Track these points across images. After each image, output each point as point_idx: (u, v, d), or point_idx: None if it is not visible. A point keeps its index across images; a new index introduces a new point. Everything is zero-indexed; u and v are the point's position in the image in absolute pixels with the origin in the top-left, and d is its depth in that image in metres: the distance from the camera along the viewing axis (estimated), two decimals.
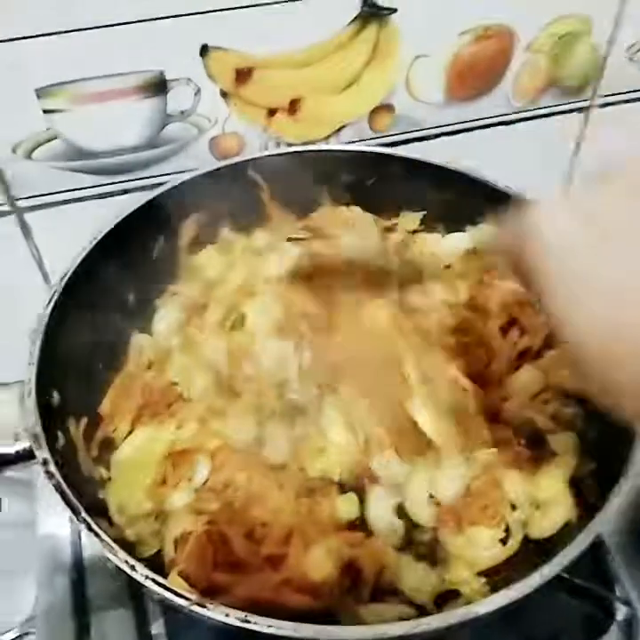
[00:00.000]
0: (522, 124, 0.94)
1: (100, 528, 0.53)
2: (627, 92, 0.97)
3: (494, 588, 0.56)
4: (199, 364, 0.70)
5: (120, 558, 0.50)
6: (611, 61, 0.92)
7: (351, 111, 0.86)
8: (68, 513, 0.53)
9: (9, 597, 0.79)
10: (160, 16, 0.71)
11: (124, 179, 0.81)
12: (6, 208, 0.79)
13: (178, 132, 0.80)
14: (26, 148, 0.75)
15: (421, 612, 0.57)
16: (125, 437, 0.68)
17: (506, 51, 0.87)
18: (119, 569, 0.51)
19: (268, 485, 0.61)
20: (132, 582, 0.51)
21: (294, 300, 0.69)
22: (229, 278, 0.78)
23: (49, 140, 0.75)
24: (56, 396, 0.62)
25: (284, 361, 0.67)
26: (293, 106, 0.82)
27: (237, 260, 0.80)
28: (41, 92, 0.72)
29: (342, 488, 0.65)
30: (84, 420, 0.65)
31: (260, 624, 0.47)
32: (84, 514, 0.53)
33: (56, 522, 0.76)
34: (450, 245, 0.82)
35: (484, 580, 0.59)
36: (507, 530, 0.63)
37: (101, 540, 0.51)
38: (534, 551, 0.62)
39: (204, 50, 0.74)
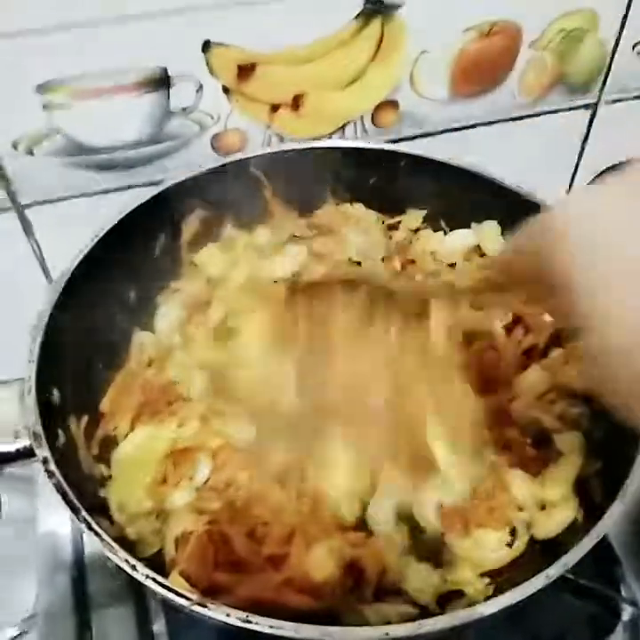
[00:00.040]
0: (527, 120, 0.94)
1: (101, 527, 0.53)
2: (634, 89, 0.96)
3: (498, 589, 0.56)
4: (198, 364, 0.69)
5: (120, 557, 0.50)
6: (618, 58, 0.92)
7: (355, 107, 0.85)
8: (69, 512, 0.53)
9: (10, 595, 0.79)
10: (162, 12, 0.70)
11: (125, 175, 0.81)
12: (7, 204, 0.79)
13: (180, 129, 0.79)
14: (27, 144, 0.75)
15: (424, 611, 0.57)
16: (126, 435, 0.67)
17: (511, 47, 0.86)
18: (120, 568, 0.50)
19: (270, 484, 0.60)
20: (133, 580, 0.50)
21: (292, 319, 0.66)
22: (232, 276, 0.78)
23: (50, 136, 0.75)
24: (56, 393, 0.62)
25: (277, 384, 0.63)
26: (296, 102, 0.82)
27: (240, 257, 0.80)
28: (41, 88, 0.71)
29: None
30: (85, 418, 0.65)
31: (262, 624, 0.47)
32: (84, 513, 0.52)
33: (57, 519, 0.76)
34: (453, 243, 0.82)
35: (487, 580, 0.59)
36: (513, 531, 0.63)
37: (102, 540, 0.51)
38: (539, 551, 0.62)
39: (207, 46, 0.74)
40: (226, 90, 0.78)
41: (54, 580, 0.72)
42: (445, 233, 0.83)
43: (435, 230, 0.83)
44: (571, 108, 0.95)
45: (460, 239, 0.81)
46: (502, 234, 0.79)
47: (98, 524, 0.52)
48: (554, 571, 0.50)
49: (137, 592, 0.70)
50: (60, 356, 0.64)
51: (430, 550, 0.62)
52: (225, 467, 0.63)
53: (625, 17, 0.88)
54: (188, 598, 0.48)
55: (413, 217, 0.83)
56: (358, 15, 0.77)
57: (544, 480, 0.64)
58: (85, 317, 0.68)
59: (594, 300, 0.37)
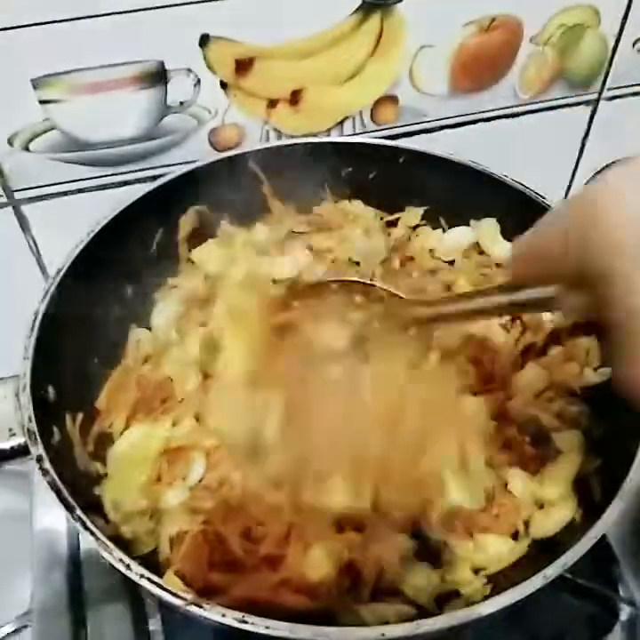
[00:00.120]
0: (528, 116, 0.93)
1: (96, 526, 0.52)
2: (635, 85, 0.96)
3: (496, 589, 0.56)
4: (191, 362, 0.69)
5: (115, 557, 0.50)
6: (619, 53, 0.91)
7: (354, 102, 0.85)
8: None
9: (6, 591, 0.79)
10: (159, 5, 0.70)
11: (122, 170, 0.80)
12: (3, 200, 0.78)
13: (177, 124, 0.79)
14: (23, 140, 0.74)
15: (422, 611, 0.57)
16: (121, 433, 0.67)
17: (512, 42, 0.86)
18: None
19: (265, 484, 0.60)
20: (128, 579, 0.50)
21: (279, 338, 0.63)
22: (230, 273, 0.77)
23: (46, 132, 0.75)
24: (51, 390, 0.62)
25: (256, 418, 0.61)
26: (295, 97, 0.81)
27: (238, 254, 0.79)
28: (37, 83, 0.71)
29: None
30: (80, 416, 0.64)
31: (257, 625, 0.47)
32: (78, 511, 0.52)
33: (52, 516, 0.75)
34: (452, 240, 0.81)
35: (485, 580, 0.59)
36: (515, 534, 0.62)
37: (96, 539, 0.51)
38: (537, 551, 0.61)
39: (204, 40, 0.73)
40: (223, 84, 0.78)
41: (50, 577, 0.72)
42: (444, 230, 0.83)
43: (434, 227, 0.83)
44: (571, 104, 0.94)
45: (459, 236, 0.81)
46: (501, 231, 0.79)
47: (93, 522, 0.52)
48: (552, 571, 0.50)
49: (132, 590, 0.69)
50: (56, 353, 0.63)
51: (431, 551, 0.61)
52: (218, 465, 0.63)
53: (626, 13, 0.87)
54: (182, 598, 0.48)
55: (412, 214, 0.83)
56: (357, 9, 0.76)
57: (543, 479, 0.64)
58: (81, 314, 0.68)
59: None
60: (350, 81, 0.82)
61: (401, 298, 0.63)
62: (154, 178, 0.76)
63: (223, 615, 0.47)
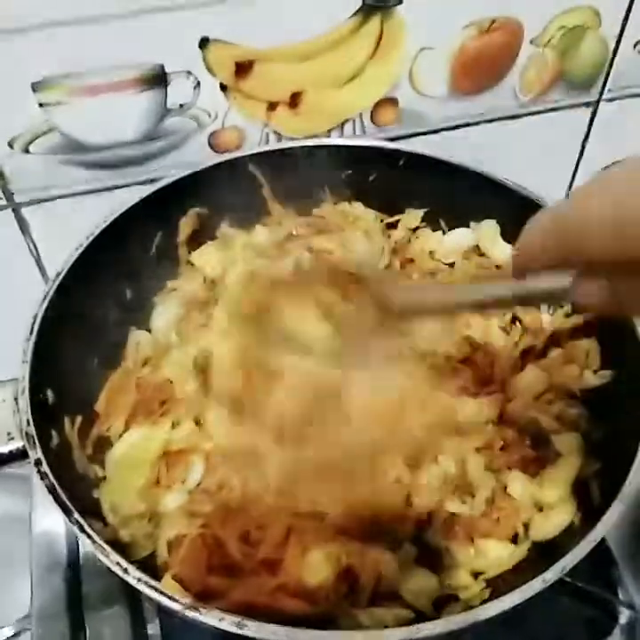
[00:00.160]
0: (528, 118, 0.93)
1: (94, 529, 0.52)
2: (635, 87, 0.95)
3: (495, 592, 0.56)
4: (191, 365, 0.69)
5: (112, 560, 0.50)
6: (619, 55, 0.91)
7: (354, 105, 0.84)
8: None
9: (6, 594, 0.79)
10: (159, 8, 0.69)
11: (122, 173, 0.80)
12: (3, 202, 0.78)
13: (177, 126, 0.79)
14: (23, 142, 0.74)
15: (420, 615, 0.56)
16: (120, 436, 0.67)
17: (512, 43, 0.85)
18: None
19: (264, 487, 0.60)
20: (127, 582, 0.50)
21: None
22: (230, 276, 0.77)
23: (46, 134, 0.75)
24: (50, 394, 0.62)
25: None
26: (295, 99, 0.81)
27: (238, 256, 0.79)
28: (37, 85, 0.71)
29: None
30: (79, 419, 0.64)
31: (256, 629, 0.47)
32: (76, 515, 0.52)
33: (52, 519, 0.75)
34: (452, 242, 0.81)
35: (484, 583, 0.59)
36: (515, 538, 0.62)
37: (94, 542, 0.51)
38: (537, 554, 0.61)
39: (204, 42, 0.73)
40: (223, 87, 0.78)
41: (49, 580, 0.72)
42: (444, 232, 0.83)
43: (434, 229, 0.83)
44: (571, 106, 0.94)
45: (459, 238, 0.81)
46: (501, 233, 0.79)
47: (90, 525, 0.52)
48: (551, 574, 0.50)
49: (131, 594, 0.69)
50: (55, 356, 0.63)
51: (430, 556, 0.61)
52: (217, 469, 0.62)
53: (627, 14, 0.87)
54: (180, 602, 0.48)
55: (412, 216, 0.83)
56: (357, 12, 0.76)
57: (542, 481, 0.64)
58: (81, 316, 0.68)
59: None
60: (350, 83, 0.82)
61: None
62: (153, 180, 0.76)
63: (221, 619, 0.47)
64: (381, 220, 0.83)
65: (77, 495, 0.55)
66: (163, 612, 0.67)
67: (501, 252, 0.79)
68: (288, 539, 0.57)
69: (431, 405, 0.62)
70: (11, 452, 0.58)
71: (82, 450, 0.64)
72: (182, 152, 0.81)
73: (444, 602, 0.58)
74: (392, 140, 0.87)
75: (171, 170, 0.79)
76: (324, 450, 0.56)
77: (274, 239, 0.81)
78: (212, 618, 0.47)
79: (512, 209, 0.76)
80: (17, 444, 0.57)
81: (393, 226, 0.83)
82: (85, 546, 0.51)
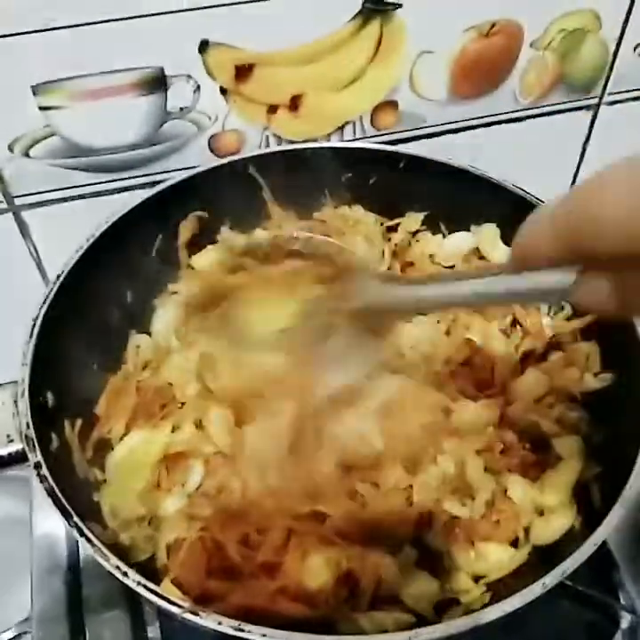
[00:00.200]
0: (528, 121, 0.93)
1: (94, 532, 0.52)
2: (636, 90, 0.95)
3: (496, 596, 0.56)
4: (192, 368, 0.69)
5: (112, 564, 0.50)
6: (620, 58, 0.91)
7: (354, 108, 0.84)
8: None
9: (6, 597, 0.79)
10: (159, 11, 0.70)
11: (122, 176, 0.80)
12: (4, 206, 0.78)
13: (177, 130, 0.79)
14: (23, 146, 0.74)
15: (420, 619, 0.56)
16: (121, 439, 0.67)
17: (512, 47, 0.85)
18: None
19: (264, 491, 0.60)
20: (127, 585, 0.50)
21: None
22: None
23: (46, 138, 0.75)
24: (50, 396, 0.62)
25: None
26: (295, 102, 0.81)
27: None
28: (38, 89, 0.71)
29: None
30: (79, 422, 0.64)
31: (254, 633, 0.46)
32: (76, 518, 0.52)
33: (52, 521, 0.75)
34: (452, 246, 0.81)
35: (485, 587, 0.58)
36: (515, 542, 0.62)
37: (93, 546, 0.51)
38: (537, 558, 0.61)
39: (204, 46, 0.73)
40: (223, 90, 0.78)
41: (49, 582, 0.72)
42: (444, 235, 0.83)
43: (434, 233, 0.83)
44: (572, 109, 0.94)
45: (459, 242, 0.81)
46: (501, 237, 0.79)
47: (90, 529, 0.52)
48: (552, 578, 0.50)
49: (131, 597, 0.69)
50: (55, 359, 0.63)
51: (431, 559, 0.61)
52: (217, 472, 0.62)
53: (627, 17, 0.87)
54: (179, 606, 0.48)
55: (412, 219, 0.83)
56: (357, 15, 0.76)
57: (542, 485, 0.64)
58: (81, 319, 0.68)
59: None
60: (350, 86, 0.82)
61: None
62: (154, 184, 0.76)
63: (220, 623, 0.47)
64: (381, 224, 0.83)
65: (77, 498, 0.55)
66: (163, 615, 0.67)
67: (502, 255, 0.79)
68: (288, 542, 0.57)
69: (426, 407, 0.61)
70: (10, 454, 0.58)
71: (82, 453, 0.64)
72: (182, 155, 0.81)
73: (446, 606, 0.58)
74: (392, 143, 0.87)
75: (171, 173, 0.80)
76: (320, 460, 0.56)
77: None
78: (210, 621, 0.47)
79: (512, 212, 0.75)
80: (17, 446, 0.57)
81: (393, 229, 0.83)
82: (86, 549, 0.51)
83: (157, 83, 0.74)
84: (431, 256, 0.81)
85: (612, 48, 0.90)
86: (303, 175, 0.79)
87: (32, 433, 0.56)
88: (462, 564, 0.61)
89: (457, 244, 0.81)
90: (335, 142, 0.86)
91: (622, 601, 0.69)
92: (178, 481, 0.63)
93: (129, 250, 0.73)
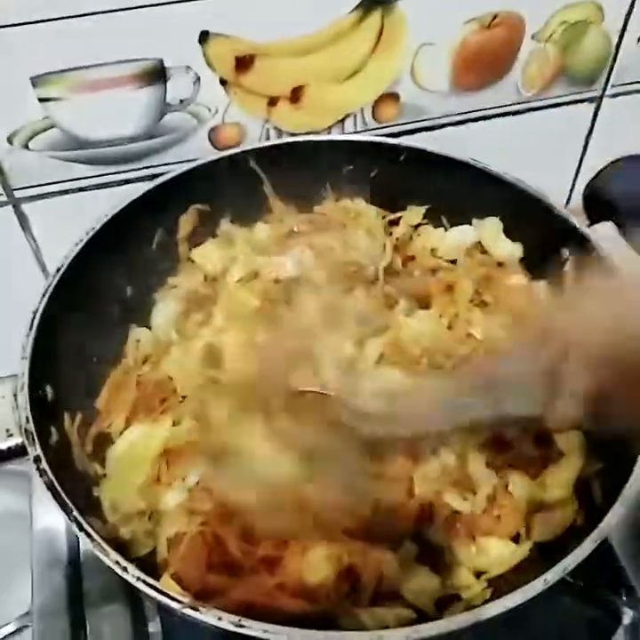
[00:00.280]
0: (530, 114, 0.92)
1: (93, 527, 0.52)
2: (639, 82, 0.95)
3: (497, 592, 0.55)
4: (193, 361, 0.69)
5: (111, 559, 0.49)
6: (623, 50, 0.91)
7: (355, 100, 0.84)
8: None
9: (6, 591, 0.79)
10: (159, 2, 0.69)
11: (122, 169, 0.80)
12: (3, 198, 0.78)
13: (177, 122, 0.78)
14: (22, 138, 0.74)
15: (422, 615, 0.56)
16: (121, 433, 0.67)
17: (514, 39, 0.85)
18: None
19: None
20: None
21: None
22: (231, 273, 0.77)
23: (46, 130, 0.74)
24: (50, 390, 0.61)
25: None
26: (295, 94, 0.80)
27: (238, 253, 0.79)
28: (37, 81, 0.70)
29: None
30: (79, 416, 0.64)
31: (255, 628, 0.46)
32: (75, 513, 0.52)
33: (52, 516, 0.75)
34: (454, 239, 0.81)
35: (486, 583, 0.58)
36: (516, 537, 0.62)
37: (92, 540, 0.50)
38: (539, 553, 0.61)
39: (204, 37, 0.73)
40: (223, 82, 0.77)
41: (49, 577, 0.72)
42: (446, 229, 0.82)
43: (435, 226, 0.82)
44: (574, 102, 0.94)
45: (461, 235, 0.80)
46: (503, 230, 0.78)
47: (90, 523, 0.52)
48: (553, 574, 0.50)
49: (132, 591, 0.69)
50: (55, 353, 0.63)
51: (432, 554, 0.61)
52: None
53: (630, 9, 0.87)
54: (179, 601, 0.48)
55: (414, 213, 0.82)
56: (358, 6, 0.76)
57: (544, 481, 0.64)
58: (81, 312, 0.68)
59: None
60: (351, 78, 0.82)
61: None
62: (154, 176, 0.76)
63: (220, 618, 0.47)
64: (383, 217, 0.83)
65: (77, 492, 0.54)
66: (163, 609, 0.67)
67: (503, 248, 0.78)
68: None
69: None
70: (10, 448, 0.57)
71: (81, 447, 0.63)
72: (182, 148, 0.80)
73: (447, 601, 0.57)
74: (393, 135, 0.87)
75: (171, 166, 0.79)
76: None
77: (275, 236, 0.81)
78: (210, 617, 0.47)
79: (514, 205, 0.75)
80: (16, 440, 0.57)
81: (395, 223, 0.83)
82: (85, 543, 0.51)
83: (157, 74, 0.74)
84: (433, 250, 0.81)
85: (615, 40, 0.90)
86: (304, 168, 0.79)
87: (31, 427, 0.56)
88: (463, 560, 0.60)
89: (459, 237, 0.80)
90: (336, 135, 0.85)
91: (624, 597, 0.68)
92: (178, 475, 0.63)
93: (129, 243, 0.73)
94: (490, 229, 0.79)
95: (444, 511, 0.61)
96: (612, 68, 0.92)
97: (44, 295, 0.64)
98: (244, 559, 0.56)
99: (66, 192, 0.80)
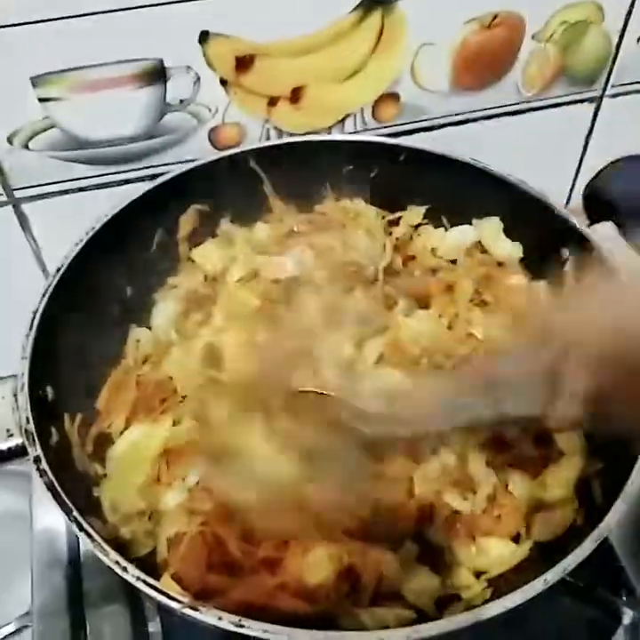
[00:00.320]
0: (530, 114, 0.93)
1: (93, 527, 0.52)
2: (639, 82, 0.95)
3: (497, 592, 0.55)
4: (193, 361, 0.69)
5: (111, 559, 0.49)
6: (623, 50, 0.91)
7: (355, 100, 0.84)
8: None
9: (6, 591, 0.79)
10: (159, 2, 0.69)
11: (122, 169, 0.80)
12: (3, 198, 0.78)
13: (177, 122, 0.78)
14: (22, 138, 0.74)
15: (422, 615, 0.56)
16: (121, 433, 0.67)
17: (514, 39, 0.85)
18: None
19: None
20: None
21: None
22: (231, 273, 0.77)
23: (46, 130, 0.74)
24: (50, 390, 0.61)
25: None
26: (295, 94, 0.80)
27: (238, 253, 0.79)
28: (37, 81, 0.70)
29: None
30: (79, 416, 0.64)
31: (255, 628, 0.46)
32: (75, 513, 0.52)
33: (52, 516, 0.75)
34: (454, 239, 0.81)
35: (486, 583, 0.58)
36: (516, 537, 0.62)
37: (93, 541, 0.50)
38: (539, 553, 0.61)
39: (204, 36, 0.73)
40: (223, 82, 0.77)
41: (50, 577, 0.72)
42: (446, 229, 0.82)
43: (435, 226, 0.82)
44: (575, 102, 0.94)
45: (461, 235, 0.80)
46: (503, 230, 0.78)
47: (90, 524, 0.52)
48: (553, 574, 0.50)
49: (132, 591, 0.69)
50: (55, 353, 0.63)
51: (432, 554, 0.61)
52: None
53: (630, 9, 0.87)
54: (179, 601, 0.48)
55: (414, 213, 0.82)
56: (358, 6, 0.76)
57: (544, 481, 0.64)
58: (81, 312, 0.68)
59: None
60: (351, 78, 0.82)
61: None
62: (154, 176, 0.76)
63: (220, 618, 0.47)
64: (383, 217, 0.83)
65: (77, 493, 0.54)
66: (163, 610, 0.67)
67: (503, 248, 0.78)
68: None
69: None
70: (10, 448, 0.57)
71: (81, 447, 0.63)
72: (182, 148, 0.80)
73: (447, 601, 0.57)
74: (393, 135, 0.87)
75: (171, 166, 0.79)
76: None
77: (275, 236, 0.80)
78: (211, 617, 0.47)
79: (514, 205, 0.75)
80: (16, 440, 0.57)
81: (395, 223, 0.83)
82: (85, 543, 0.51)
83: (157, 74, 0.74)
84: (433, 250, 0.81)
85: (615, 40, 0.90)
86: (304, 168, 0.79)
87: (32, 427, 0.56)
88: (463, 560, 0.60)
89: (459, 237, 0.80)
90: (336, 135, 0.85)
91: (624, 597, 0.68)
92: (178, 475, 0.63)
93: (129, 243, 0.73)
94: (490, 229, 0.79)
95: (444, 511, 0.61)
96: (612, 68, 0.92)
97: (44, 295, 0.64)
98: (244, 559, 0.56)
99: (66, 192, 0.80)
